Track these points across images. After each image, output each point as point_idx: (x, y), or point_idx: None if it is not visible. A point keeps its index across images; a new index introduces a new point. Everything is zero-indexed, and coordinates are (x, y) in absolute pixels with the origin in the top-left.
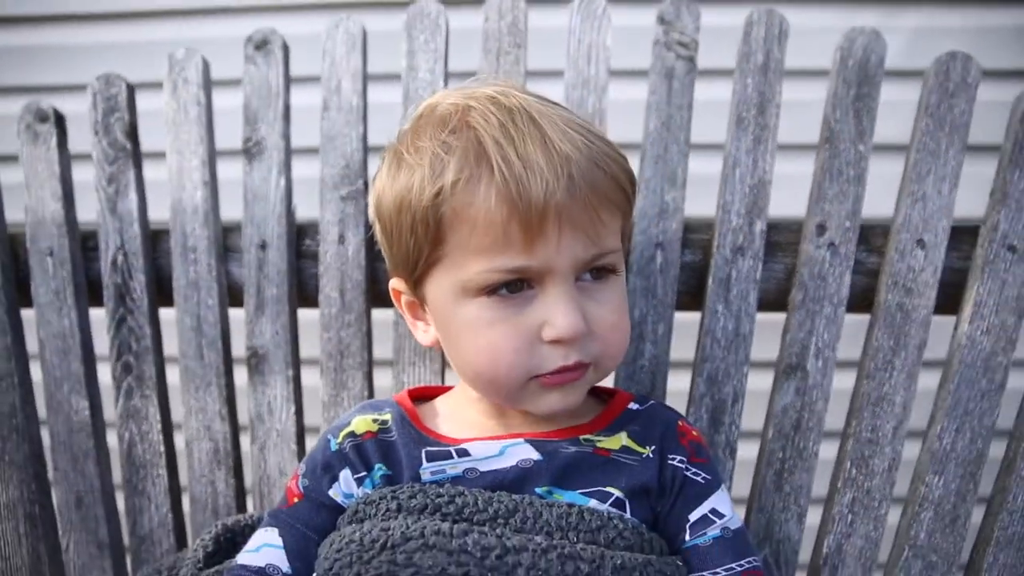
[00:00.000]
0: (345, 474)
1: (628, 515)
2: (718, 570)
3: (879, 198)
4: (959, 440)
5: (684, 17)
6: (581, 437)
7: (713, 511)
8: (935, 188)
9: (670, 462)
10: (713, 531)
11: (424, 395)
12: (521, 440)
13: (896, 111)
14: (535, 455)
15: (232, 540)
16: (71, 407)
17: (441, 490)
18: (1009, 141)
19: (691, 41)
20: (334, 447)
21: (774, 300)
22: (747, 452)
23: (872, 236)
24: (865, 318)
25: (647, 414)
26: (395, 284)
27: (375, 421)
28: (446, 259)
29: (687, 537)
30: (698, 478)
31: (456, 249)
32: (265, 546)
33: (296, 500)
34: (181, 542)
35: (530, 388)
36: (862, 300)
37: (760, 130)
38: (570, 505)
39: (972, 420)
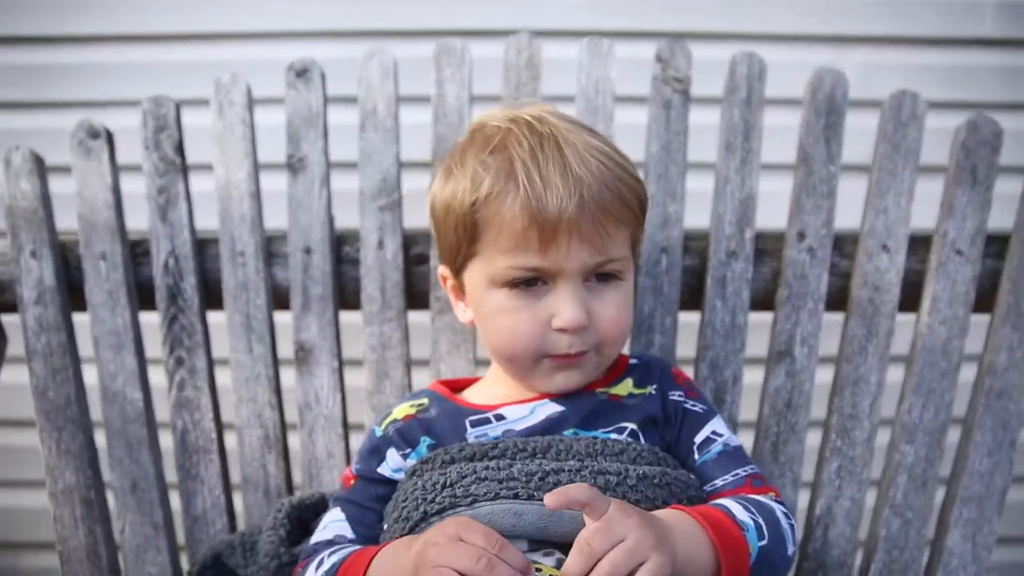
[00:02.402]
0: (391, 453)
1: (642, 441)
2: (726, 476)
3: (844, 212)
4: (925, 413)
5: (678, 57)
6: (597, 390)
7: (714, 432)
8: (895, 202)
9: (671, 397)
10: (716, 447)
11: (457, 386)
12: (546, 400)
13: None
14: (559, 407)
15: (300, 518)
16: (126, 398)
17: (484, 441)
18: (952, 163)
19: (685, 77)
20: (379, 434)
21: (762, 299)
22: (744, 435)
23: (843, 244)
24: (839, 318)
25: (644, 364)
26: (442, 271)
27: (412, 406)
28: (480, 255)
29: (696, 457)
30: (696, 408)
31: (487, 248)
32: (331, 522)
33: (352, 483)
34: (232, 522)
35: (542, 366)
36: (837, 298)
37: (746, 153)
38: (594, 438)
39: (935, 396)
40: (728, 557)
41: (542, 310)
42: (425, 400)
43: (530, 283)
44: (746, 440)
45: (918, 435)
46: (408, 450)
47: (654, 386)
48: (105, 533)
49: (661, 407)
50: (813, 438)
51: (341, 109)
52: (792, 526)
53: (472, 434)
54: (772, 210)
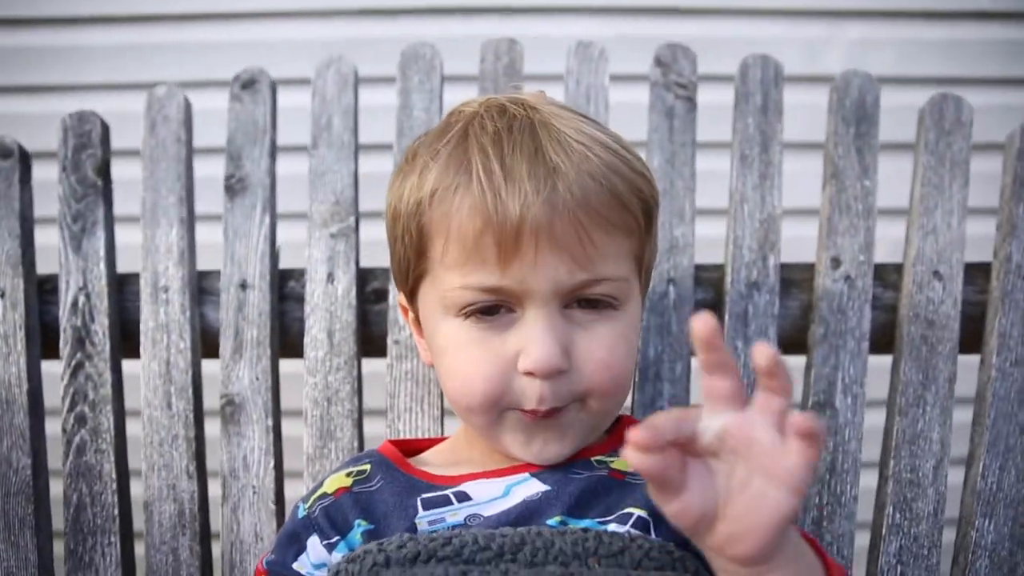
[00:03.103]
0: (313, 541)
1: (652, 535)
2: None
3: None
4: (1004, 478)
5: (680, 60)
6: (593, 459)
7: None
8: (944, 221)
9: None
10: None
11: (413, 448)
12: (526, 475)
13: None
14: (542, 486)
15: None
16: (11, 466)
17: (435, 535)
18: (1008, 176)
19: (689, 82)
20: (302, 514)
21: (792, 339)
22: None
23: (885, 272)
24: (886, 361)
25: None
26: (400, 299)
27: (349, 475)
28: (429, 272)
29: None
30: None
31: (436, 260)
32: None
33: None
34: None
35: (508, 421)
36: (882, 337)
37: (765, 167)
38: (584, 530)
39: (1015, 456)
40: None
41: (505, 346)
42: (367, 466)
43: (489, 311)
44: None
45: (998, 507)
46: (335, 538)
47: None
48: None
49: None
50: (864, 511)
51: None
52: None
53: (424, 518)
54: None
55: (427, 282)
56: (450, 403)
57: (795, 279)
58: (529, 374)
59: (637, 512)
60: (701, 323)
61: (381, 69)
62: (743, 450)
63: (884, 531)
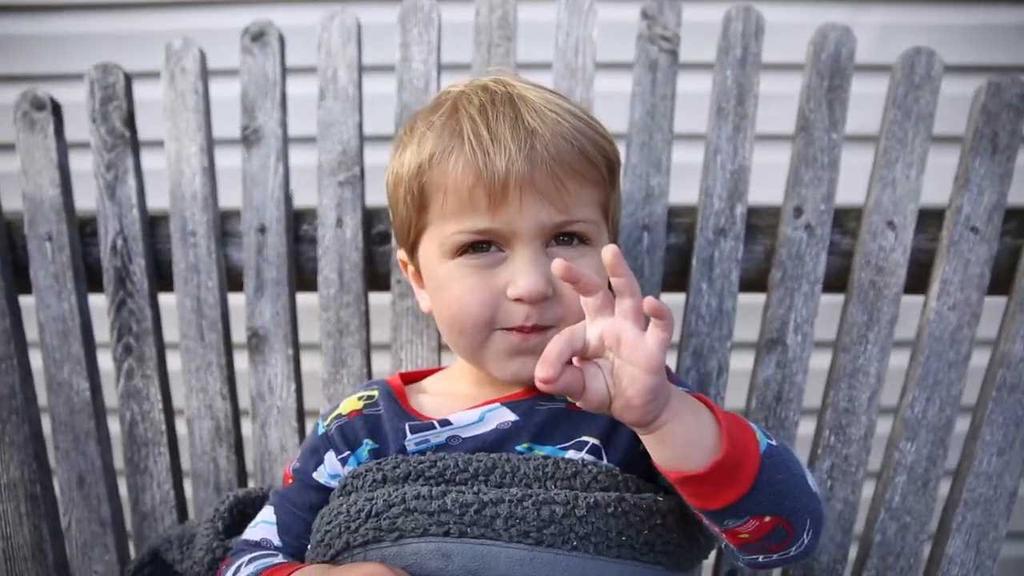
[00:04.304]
0: (329, 456)
1: (605, 460)
2: None
3: (851, 187)
4: (930, 408)
5: (666, 12)
6: (555, 395)
7: None
8: (903, 173)
9: None
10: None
11: (416, 378)
12: (498, 404)
13: (865, 104)
14: (512, 416)
15: (243, 512)
16: (72, 388)
17: (423, 457)
18: (970, 130)
19: (673, 35)
20: (321, 431)
21: (754, 281)
22: None
23: (846, 220)
24: (839, 300)
25: None
26: (401, 255)
27: (360, 399)
28: (430, 226)
29: None
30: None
31: (435, 215)
32: (262, 522)
33: (289, 482)
34: (183, 519)
35: (495, 341)
36: (837, 280)
37: (739, 119)
38: (545, 457)
39: (941, 389)
40: (731, 430)
41: (497, 278)
42: (375, 393)
43: (481, 248)
44: None
45: (920, 432)
46: (347, 453)
47: None
48: (52, 529)
49: None
50: (804, 432)
51: (303, 80)
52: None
53: (412, 440)
54: (774, 188)
55: (427, 235)
56: (444, 332)
57: (761, 225)
58: (518, 300)
59: (591, 440)
60: (609, 254)
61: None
62: (615, 346)
63: (820, 451)
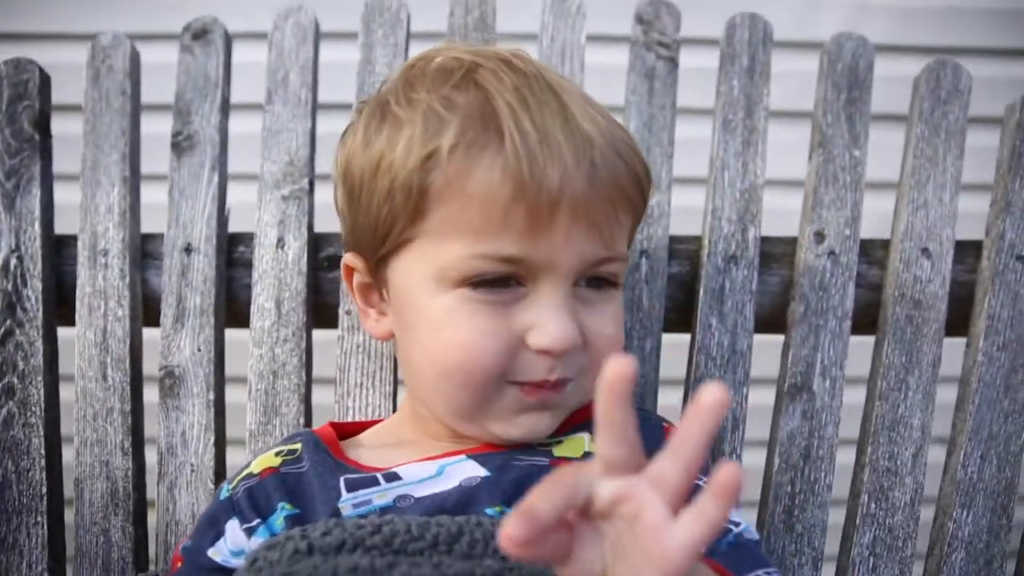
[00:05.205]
0: (231, 526)
1: None
2: None
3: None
4: (986, 468)
5: (664, 17)
6: (536, 446)
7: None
8: (936, 195)
9: None
10: (726, 538)
11: (351, 431)
12: (463, 456)
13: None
14: (481, 471)
15: None
16: None
17: (364, 521)
18: (1005, 149)
19: (672, 42)
20: (224, 495)
21: (768, 317)
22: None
23: (871, 248)
24: (869, 342)
25: None
26: (349, 260)
27: (279, 454)
28: (424, 238)
29: None
30: (700, 483)
31: (440, 226)
32: None
33: (178, 566)
34: None
35: (504, 397)
36: (865, 317)
37: (749, 133)
38: None
39: (997, 445)
40: None
41: (514, 321)
42: (298, 446)
43: (501, 283)
44: (750, 498)
45: (978, 497)
46: (256, 522)
47: None
48: None
49: None
50: (835, 495)
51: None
52: None
53: (348, 501)
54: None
55: (415, 249)
56: (430, 379)
57: (775, 254)
58: (543, 352)
59: None
60: (619, 368)
61: (343, 23)
62: (630, 519)
63: (858, 520)
